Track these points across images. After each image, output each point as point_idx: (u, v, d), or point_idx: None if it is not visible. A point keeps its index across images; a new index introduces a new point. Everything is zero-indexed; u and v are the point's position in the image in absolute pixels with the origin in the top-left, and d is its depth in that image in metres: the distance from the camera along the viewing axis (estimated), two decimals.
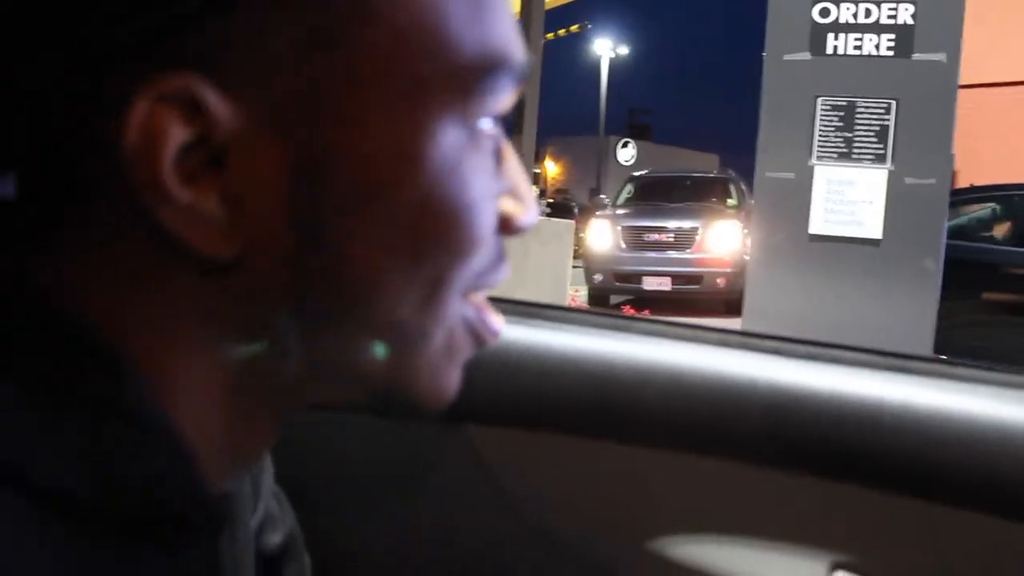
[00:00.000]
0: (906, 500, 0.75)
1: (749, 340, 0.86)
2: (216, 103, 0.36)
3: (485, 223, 0.42)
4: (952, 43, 3.27)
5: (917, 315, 3.32)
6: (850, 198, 3.38)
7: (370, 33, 0.37)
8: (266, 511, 0.56)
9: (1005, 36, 13.06)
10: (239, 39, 0.36)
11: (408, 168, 0.39)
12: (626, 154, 39.01)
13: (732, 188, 12.36)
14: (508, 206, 0.45)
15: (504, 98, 0.42)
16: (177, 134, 0.35)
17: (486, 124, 0.42)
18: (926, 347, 3.30)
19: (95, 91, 0.36)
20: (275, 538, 0.55)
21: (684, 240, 10.82)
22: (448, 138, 0.40)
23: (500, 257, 0.46)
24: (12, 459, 0.34)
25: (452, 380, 0.46)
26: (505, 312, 0.90)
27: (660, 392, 0.81)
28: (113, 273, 0.38)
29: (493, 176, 0.44)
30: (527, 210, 0.47)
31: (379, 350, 0.42)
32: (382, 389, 0.44)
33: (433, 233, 0.40)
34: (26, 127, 0.37)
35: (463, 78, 0.40)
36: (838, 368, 0.81)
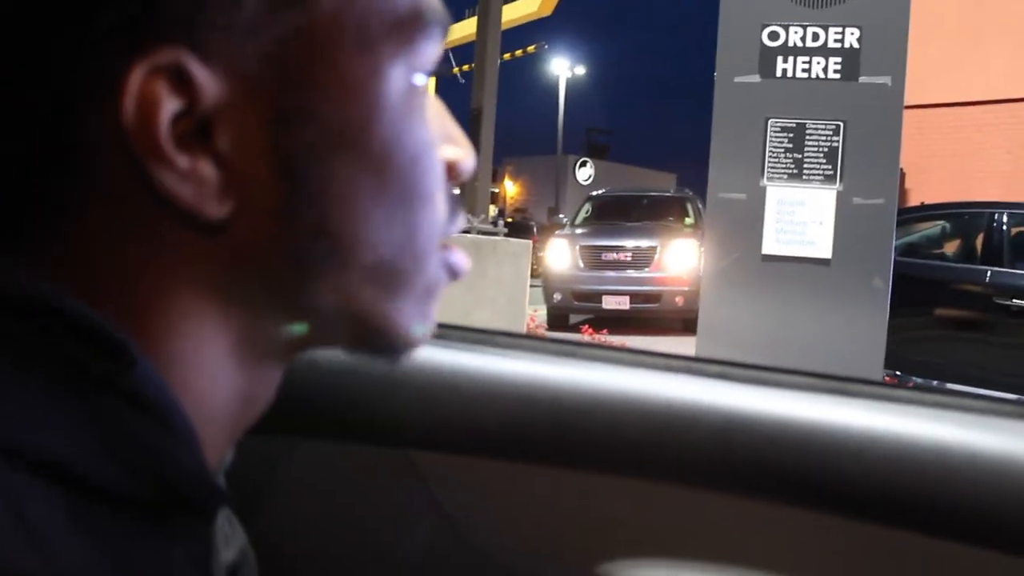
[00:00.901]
0: (850, 522, 0.76)
1: (695, 364, 0.87)
2: (200, 72, 0.39)
3: (438, 166, 0.47)
4: (897, 66, 3.33)
5: (867, 333, 3.37)
6: (801, 218, 3.43)
7: None
8: (219, 526, 0.56)
9: (953, 57, 13.32)
10: (214, 9, 0.39)
11: (371, 113, 0.43)
12: (584, 173, 39.22)
13: (689, 207, 12.45)
14: (451, 153, 0.50)
15: (434, 50, 0.46)
16: (169, 104, 0.38)
17: (420, 79, 0.46)
18: (877, 364, 3.34)
19: (89, 69, 0.38)
20: (228, 554, 0.55)
21: (642, 259, 10.87)
22: (398, 85, 0.44)
23: (455, 204, 0.50)
24: (17, 439, 0.35)
25: (431, 317, 0.49)
26: (451, 339, 0.91)
27: (607, 417, 0.82)
28: (114, 244, 0.40)
29: (433, 125, 0.48)
30: (468, 155, 0.51)
31: (368, 291, 0.45)
32: (371, 331, 0.47)
33: (400, 172, 0.44)
34: (22, 104, 0.39)
35: (403, 30, 0.44)
36: (782, 392, 0.82)
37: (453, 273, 0.50)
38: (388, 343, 0.48)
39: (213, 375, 0.44)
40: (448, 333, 0.90)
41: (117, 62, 0.38)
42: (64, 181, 0.40)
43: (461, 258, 0.51)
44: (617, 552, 0.83)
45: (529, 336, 0.93)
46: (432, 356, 0.87)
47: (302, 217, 0.42)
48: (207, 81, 0.39)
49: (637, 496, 0.83)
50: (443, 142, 0.49)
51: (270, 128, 0.41)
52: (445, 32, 0.48)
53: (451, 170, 0.50)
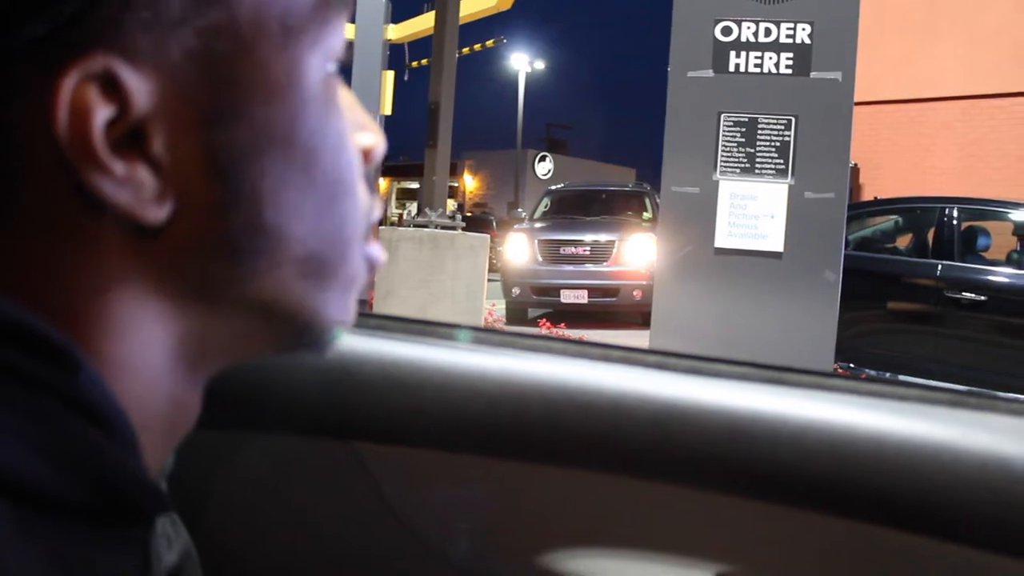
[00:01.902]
0: (787, 509, 0.77)
1: (632, 355, 0.87)
2: (130, 77, 0.39)
3: (357, 154, 0.48)
4: (848, 62, 3.37)
5: (819, 325, 3.41)
6: (753, 212, 3.46)
7: None
8: (161, 530, 0.55)
9: (906, 55, 13.51)
10: (139, 8, 0.39)
11: (296, 107, 0.43)
12: (544, 168, 39.28)
13: (648, 201, 12.52)
14: (365, 140, 0.50)
15: (342, 36, 0.47)
16: (102, 111, 0.38)
17: (331, 67, 0.46)
18: (828, 355, 3.39)
19: (17, 79, 0.38)
20: (171, 557, 0.55)
21: (601, 253, 10.92)
22: (317, 76, 0.45)
23: (374, 191, 0.51)
24: None
25: (352, 309, 0.50)
26: (393, 330, 0.91)
27: (547, 408, 0.82)
28: (51, 251, 0.40)
29: (346, 113, 0.49)
30: (380, 140, 0.52)
31: (298, 285, 0.46)
32: (301, 326, 0.47)
33: (326, 164, 0.45)
34: None
35: (317, 18, 0.44)
36: (719, 381, 0.83)
37: (371, 266, 0.51)
38: (316, 336, 0.48)
39: (151, 379, 0.44)
40: (392, 324, 0.90)
41: (46, 71, 0.38)
42: None
43: (378, 250, 0.52)
44: (558, 542, 0.84)
45: (471, 327, 0.93)
46: (377, 347, 0.86)
47: (237, 215, 0.43)
48: (138, 85, 0.39)
49: (576, 486, 0.83)
50: (356, 129, 0.50)
51: (201, 129, 0.41)
52: (350, 15, 0.48)
53: (366, 156, 0.51)
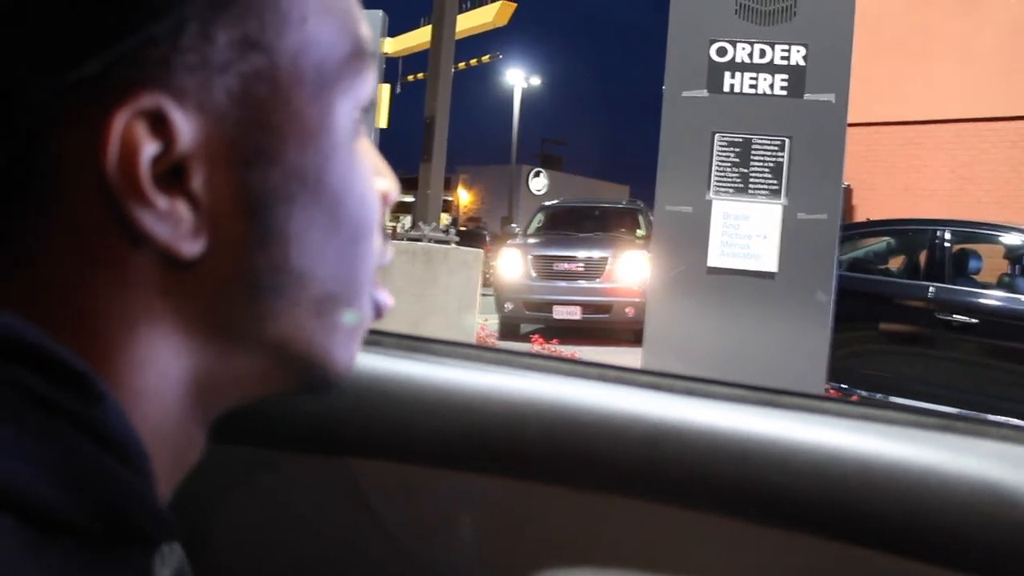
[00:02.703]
0: (777, 531, 0.77)
1: (626, 375, 0.87)
2: (177, 116, 0.40)
3: (377, 199, 0.50)
4: (841, 84, 3.39)
5: (811, 345, 3.41)
6: (746, 232, 3.47)
7: (287, 37, 0.44)
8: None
9: (899, 77, 13.57)
10: (188, 50, 0.41)
11: (327, 153, 0.45)
12: (538, 183, 39.32)
13: (641, 219, 12.54)
14: (381, 185, 0.52)
15: (371, 84, 0.49)
16: (149, 146, 0.40)
17: (358, 113, 0.48)
18: (820, 375, 3.39)
19: (69, 112, 0.39)
20: (164, 573, 0.55)
21: (594, 269, 10.92)
22: (346, 123, 0.46)
23: (385, 235, 0.52)
24: None
25: (356, 353, 0.51)
26: (386, 346, 0.91)
27: (540, 426, 0.82)
28: (84, 279, 0.41)
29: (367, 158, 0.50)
30: (395, 186, 0.53)
31: (312, 325, 0.47)
32: (310, 366, 0.48)
33: (351, 209, 0.47)
34: (5, 143, 0.40)
35: (348, 68, 0.47)
36: (712, 402, 0.83)
37: (378, 311, 0.52)
38: (323, 377, 0.50)
39: (166, 411, 0.44)
40: (386, 340, 0.90)
41: (100, 106, 0.39)
42: (37, 219, 0.40)
43: (386, 296, 0.53)
44: (549, 560, 0.84)
45: (465, 344, 0.93)
46: (371, 363, 0.87)
47: (264, 253, 0.44)
48: (183, 124, 0.41)
49: (568, 504, 0.83)
50: (373, 174, 0.51)
51: (237, 169, 0.42)
52: (376, 63, 0.50)
53: (383, 201, 0.52)
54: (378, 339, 0.90)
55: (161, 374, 0.44)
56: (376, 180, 0.51)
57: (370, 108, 0.50)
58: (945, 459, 0.74)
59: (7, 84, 0.39)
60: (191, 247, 0.42)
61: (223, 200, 0.42)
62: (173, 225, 0.41)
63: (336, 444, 0.87)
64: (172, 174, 0.41)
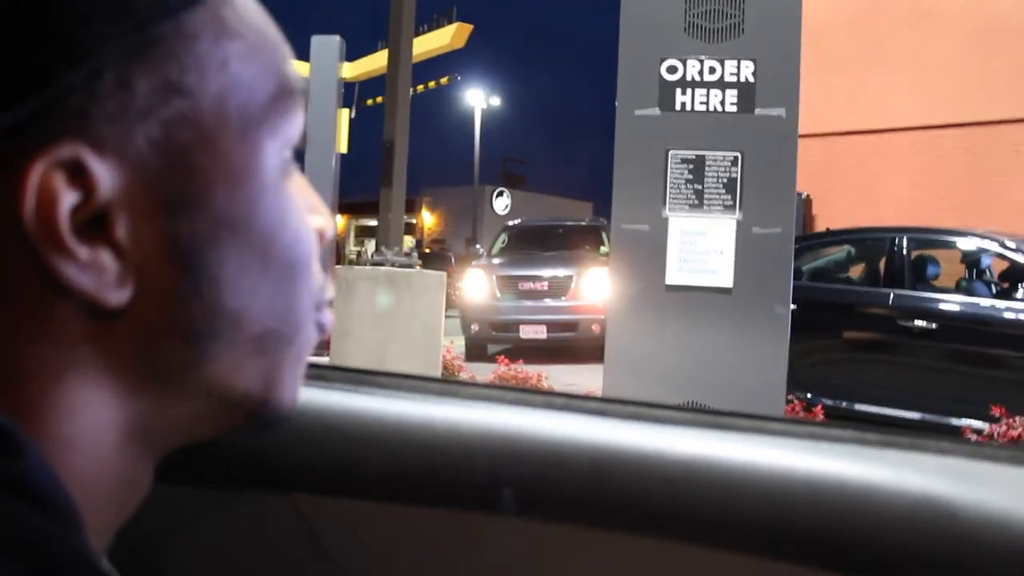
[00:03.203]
0: (726, 555, 0.78)
1: (573, 402, 0.88)
2: (96, 165, 0.40)
3: (312, 236, 0.50)
4: (791, 99, 3.43)
5: (770, 359, 3.43)
6: (702, 248, 3.50)
7: (209, 81, 0.43)
8: None
9: (855, 88, 13.78)
10: (107, 98, 0.40)
11: (254, 196, 0.45)
12: (501, 203, 39.42)
13: (604, 236, 12.60)
14: (316, 221, 0.52)
15: (299, 122, 0.49)
16: (68, 197, 0.39)
17: (287, 153, 0.48)
18: (779, 388, 3.41)
19: None
20: None
21: (559, 288, 10.96)
22: (274, 162, 0.46)
23: (327, 269, 0.52)
24: None
25: (299, 382, 0.51)
26: (331, 380, 0.90)
27: (487, 456, 0.82)
28: (9, 331, 0.41)
29: (300, 196, 0.50)
30: (330, 223, 0.53)
31: (253, 363, 0.47)
32: (253, 403, 0.48)
33: (284, 248, 0.46)
34: None
35: (275, 108, 0.46)
36: (659, 427, 0.83)
37: (322, 330, 0.52)
38: (268, 414, 0.49)
39: (103, 460, 0.44)
40: (329, 374, 0.90)
41: (14, 158, 0.39)
42: None
43: (327, 316, 0.53)
44: None
45: (410, 376, 0.93)
46: (315, 398, 0.86)
47: (197, 299, 0.43)
48: (103, 173, 0.40)
49: (516, 533, 0.83)
50: (308, 212, 0.51)
51: (163, 216, 0.42)
52: (305, 101, 0.50)
53: (320, 238, 0.52)
54: (322, 373, 0.90)
55: (93, 423, 0.43)
56: (311, 217, 0.51)
57: (300, 143, 0.50)
58: (888, 475, 0.74)
59: None
60: (117, 296, 0.41)
61: (149, 248, 0.42)
62: (96, 275, 0.41)
63: (283, 481, 0.87)
64: (94, 223, 0.41)
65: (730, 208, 3.49)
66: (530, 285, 11.04)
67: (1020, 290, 6.53)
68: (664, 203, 3.55)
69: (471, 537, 0.85)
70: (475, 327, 10.97)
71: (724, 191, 3.49)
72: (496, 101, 44.02)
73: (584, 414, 0.86)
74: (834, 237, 8.24)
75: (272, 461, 0.86)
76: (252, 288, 0.45)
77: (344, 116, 12.32)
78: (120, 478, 0.45)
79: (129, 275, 0.42)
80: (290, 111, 0.48)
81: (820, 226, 13.32)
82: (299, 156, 0.51)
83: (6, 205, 0.39)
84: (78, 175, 0.40)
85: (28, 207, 0.39)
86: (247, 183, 0.45)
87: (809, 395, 6.67)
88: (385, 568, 0.87)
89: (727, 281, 3.47)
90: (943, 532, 0.71)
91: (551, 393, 0.89)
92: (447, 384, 0.92)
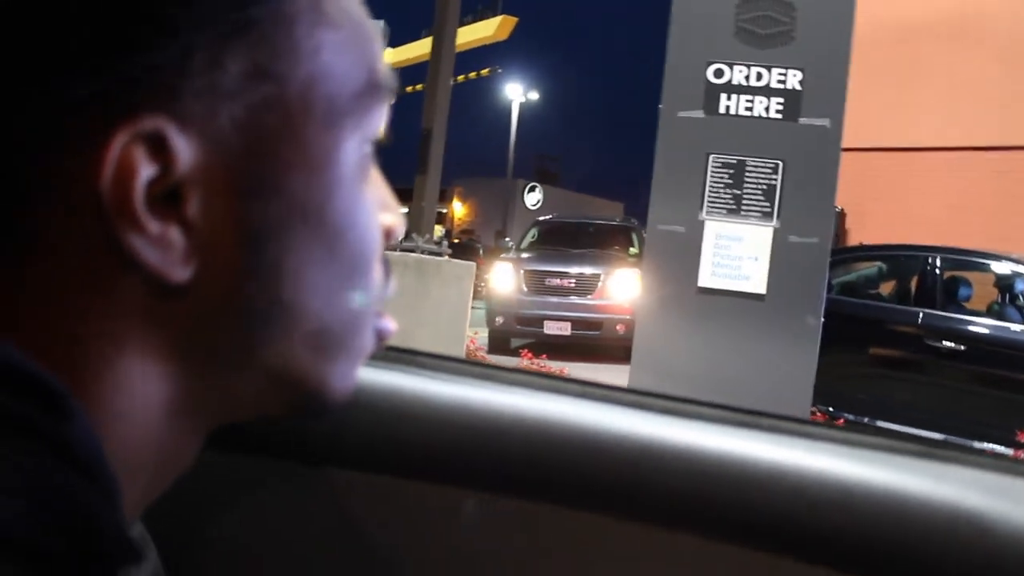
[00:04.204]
0: (759, 555, 0.78)
1: (610, 393, 0.88)
2: (178, 140, 0.40)
3: (379, 235, 0.50)
4: (836, 110, 3.41)
5: (798, 368, 3.42)
6: (737, 253, 3.48)
7: (300, 67, 0.43)
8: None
9: (892, 105, 13.65)
10: (195, 75, 0.40)
11: (331, 188, 0.45)
12: (533, 198, 39.34)
13: (634, 236, 12.56)
14: (386, 218, 0.51)
15: (383, 117, 0.48)
16: (146, 170, 0.39)
17: (367, 147, 0.48)
18: (805, 399, 3.39)
19: (67, 131, 0.39)
20: None
21: (586, 286, 10.93)
22: (354, 157, 0.46)
23: (388, 269, 0.52)
24: None
25: (355, 379, 0.51)
26: (373, 357, 0.91)
27: (522, 442, 0.83)
28: (70, 299, 0.41)
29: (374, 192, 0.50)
30: (400, 221, 0.53)
31: (307, 356, 0.47)
32: (304, 394, 0.48)
33: (351, 245, 0.46)
34: (3, 159, 0.39)
35: (361, 103, 0.46)
36: (695, 423, 0.83)
37: (381, 338, 0.52)
38: (318, 405, 0.49)
39: (148, 433, 0.44)
40: (386, 355, 0.91)
41: (99, 126, 0.39)
42: (27, 238, 0.40)
43: (389, 323, 0.53)
44: None
45: (451, 358, 0.94)
46: (367, 377, 0.87)
47: (258, 285, 0.44)
48: (183, 149, 0.40)
49: (549, 521, 0.83)
50: (380, 208, 0.51)
51: (237, 198, 0.42)
52: (393, 97, 0.50)
53: (387, 236, 0.51)
54: (381, 354, 0.90)
55: (144, 395, 0.43)
56: (381, 214, 0.51)
57: (384, 138, 0.50)
58: (924, 486, 0.74)
59: (4, 97, 0.39)
60: (182, 273, 0.41)
61: (219, 228, 0.42)
62: (164, 250, 0.41)
63: (320, 455, 0.87)
64: (167, 198, 0.41)
65: (767, 215, 3.47)
66: (557, 281, 11.02)
67: None
68: (701, 206, 3.54)
69: (503, 522, 0.85)
70: (500, 320, 10.96)
71: (763, 198, 3.47)
72: (534, 96, 43.94)
73: (621, 406, 0.86)
74: (867, 252, 8.18)
75: (311, 435, 0.87)
76: (314, 280, 0.45)
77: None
78: (163, 451, 0.46)
79: (196, 253, 0.42)
80: (376, 107, 0.47)
81: (853, 240, 13.22)
82: (380, 152, 0.51)
83: (84, 171, 0.39)
84: (159, 149, 0.40)
85: (106, 176, 0.39)
86: (324, 174, 0.45)
87: (832, 408, 6.63)
88: (417, 547, 0.87)
89: (760, 288, 3.46)
90: (975, 545, 0.71)
91: (588, 383, 0.90)
92: (487, 368, 0.92)
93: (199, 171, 0.41)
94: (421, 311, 6.75)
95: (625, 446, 0.81)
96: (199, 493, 0.89)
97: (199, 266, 0.42)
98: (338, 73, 0.45)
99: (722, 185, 3.52)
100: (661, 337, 3.55)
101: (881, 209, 13.92)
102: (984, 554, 0.71)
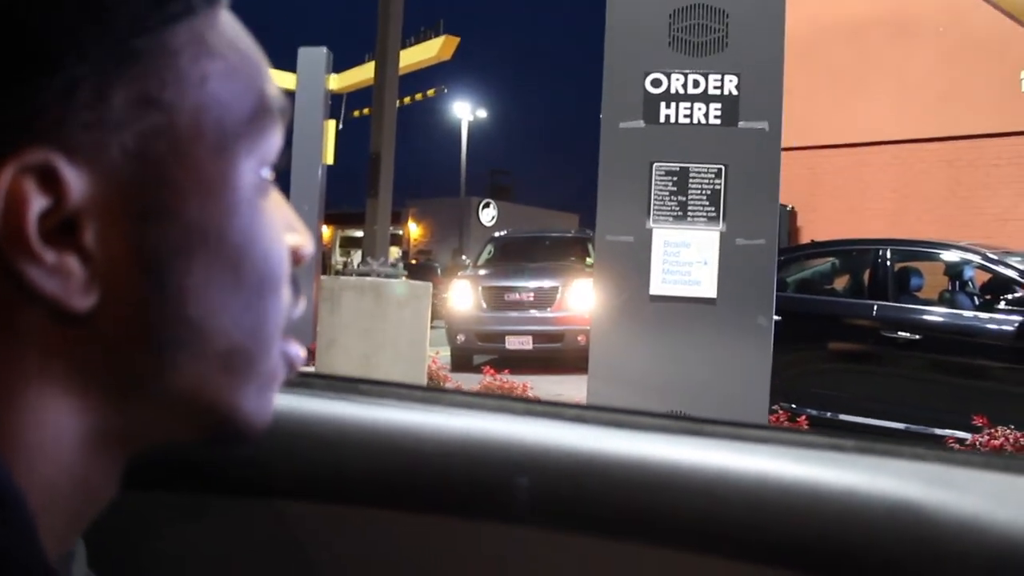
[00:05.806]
0: (704, 559, 0.78)
1: (553, 408, 0.88)
2: (68, 172, 0.40)
3: (285, 254, 0.50)
4: (774, 112, 3.46)
5: (753, 368, 3.45)
6: (686, 259, 3.51)
7: (186, 97, 0.44)
8: None
9: (839, 102, 13.83)
10: (83, 107, 0.40)
11: (227, 211, 0.45)
12: (488, 215, 39.35)
13: (590, 247, 12.58)
14: (292, 240, 0.52)
15: (278, 141, 0.49)
16: (37, 201, 0.39)
17: (265, 171, 0.49)
18: (763, 398, 3.42)
19: None
20: None
21: (544, 299, 10.96)
22: (249, 180, 0.46)
23: (298, 289, 0.52)
24: None
25: (271, 406, 0.51)
26: (315, 387, 0.91)
27: (466, 463, 0.83)
28: None
29: (277, 214, 0.51)
30: (308, 241, 0.53)
31: (219, 378, 0.47)
32: (218, 419, 0.48)
33: (254, 264, 0.47)
34: None
35: (253, 126, 0.47)
36: (638, 433, 0.84)
37: (291, 365, 0.52)
38: (233, 430, 0.49)
39: (62, 465, 0.44)
40: (313, 382, 0.91)
41: None
42: None
43: (296, 350, 0.53)
44: None
45: (392, 384, 0.94)
46: (299, 405, 0.87)
47: (163, 309, 0.44)
48: (74, 179, 0.40)
49: (496, 541, 0.84)
50: (285, 229, 0.51)
51: (134, 225, 0.42)
52: (286, 120, 0.50)
53: (294, 256, 0.52)
54: (307, 381, 0.90)
55: (54, 427, 0.43)
56: (287, 235, 0.51)
57: (279, 162, 0.50)
58: (863, 480, 0.76)
59: None
60: (83, 302, 0.41)
61: (117, 254, 0.42)
62: (63, 280, 0.41)
63: (267, 487, 0.87)
64: (64, 229, 0.41)
65: (714, 220, 3.51)
66: (516, 296, 11.04)
67: (1002, 302, 6.57)
68: (648, 215, 3.57)
69: (452, 543, 0.85)
70: (461, 338, 10.95)
71: (708, 203, 3.51)
72: (482, 113, 44.09)
73: (564, 420, 0.86)
74: (819, 249, 8.26)
75: (256, 468, 0.86)
76: (220, 301, 0.45)
77: (331, 128, 12.31)
78: (80, 483, 0.45)
79: (96, 281, 0.42)
80: (268, 130, 0.48)
81: (805, 238, 13.36)
82: (283, 174, 0.52)
83: None
84: (49, 181, 0.40)
85: None
86: (220, 197, 0.45)
87: (794, 405, 6.68)
88: (366, 573, 0.87)
89: (711, 292, 3.49)
90: (916, 535, 0.72)
91: (532, 400, 0.90)
92: (430, 392, 0.92)
93: (93, 200, 0.41)
94: (380, 334, 6.72)
95: (569, 460, 0.81)
96: (141, 533, 0.89)
97: (102, 293, 0.42)
98: (226, 100, 0.46)
99: (667, 193, 3.55)
100: (617, 346, 3.57)
101: (833, 206, 14.09)
102: (926, 543, 0.72)
